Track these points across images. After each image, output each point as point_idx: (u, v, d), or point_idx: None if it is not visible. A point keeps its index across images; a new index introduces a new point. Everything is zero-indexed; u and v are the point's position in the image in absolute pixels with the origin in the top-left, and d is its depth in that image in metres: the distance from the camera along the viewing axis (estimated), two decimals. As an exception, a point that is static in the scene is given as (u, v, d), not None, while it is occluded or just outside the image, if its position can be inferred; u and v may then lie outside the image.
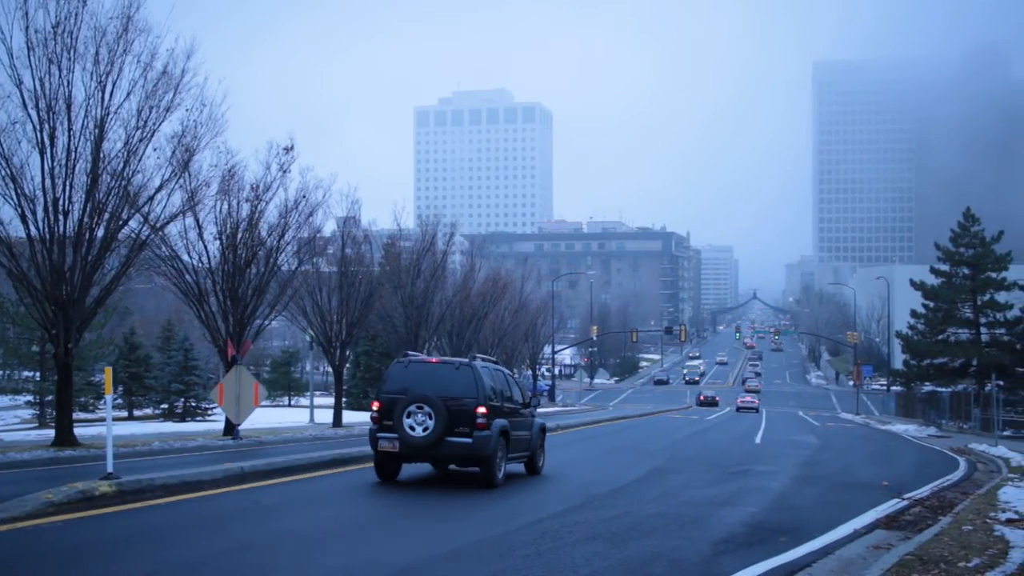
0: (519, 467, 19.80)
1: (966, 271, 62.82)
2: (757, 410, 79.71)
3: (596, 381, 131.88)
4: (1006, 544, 11.34)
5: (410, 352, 19.31)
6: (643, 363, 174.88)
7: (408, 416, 16.62)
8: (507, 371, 20.03)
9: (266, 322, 38.74)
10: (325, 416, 45.72)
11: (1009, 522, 13.37)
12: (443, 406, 16.54)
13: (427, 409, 16.56)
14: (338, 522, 12.65)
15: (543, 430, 20.73)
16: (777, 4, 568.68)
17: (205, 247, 32.53)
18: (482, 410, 16.75)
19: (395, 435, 16.68)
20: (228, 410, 28.54)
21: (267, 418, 45.78)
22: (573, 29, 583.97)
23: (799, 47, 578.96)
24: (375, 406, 17.31)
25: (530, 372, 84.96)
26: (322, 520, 12.79)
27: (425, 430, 16.50)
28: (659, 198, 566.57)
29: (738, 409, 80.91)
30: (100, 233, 25.74)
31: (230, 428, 29.94)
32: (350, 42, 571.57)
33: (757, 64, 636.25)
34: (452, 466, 18.34)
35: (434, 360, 18.82)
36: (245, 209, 32.95)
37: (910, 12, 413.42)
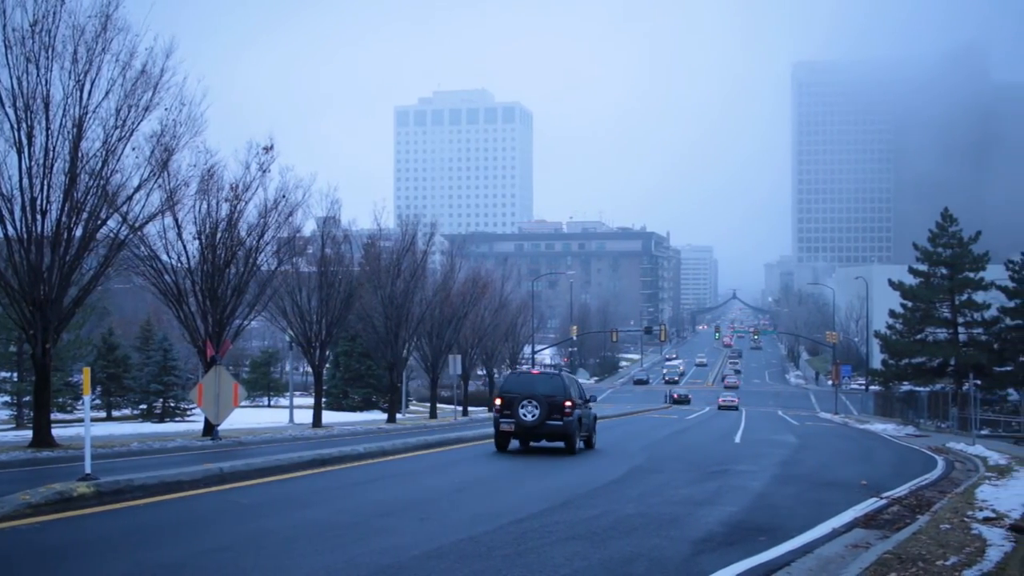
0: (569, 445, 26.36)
1: (944, 271, 63.17)
2: (737, 408, 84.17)
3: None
4: (983, 542, 11.41)
5: (518, 367, 29.73)
6: (623, 363, 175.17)
7: (522, 407, 25.65)
8: (577, 379, 30.83)
9: (245, 322, 38.65)
10: (305, 416, 45.62)
11: (986, 520, 13.44)
12: (546, 401, 25.54)
13: (535, 403, 25.62)
14: (317, 523, 12.61)
15: (595, 419, 29.81)
16: (759, 5, 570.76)
17: (184, 247, 32.44)
18: (569, 404, 25.71)
19: (513, 420, 25.73)
20: (207, 410, 28.43)
21: (246, 418, 45.69)
22: (554, 30, 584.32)
23: (779, 48, 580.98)
24: (498, 401, 26.29)
25: (510, 372, 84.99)
26: (302, 521, 12.75)
27: (533, 416, 25.57)
28: (639, 198, 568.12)
29: (719, 408, 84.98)
30: (78, 233, 25.62)
31: (209, 429, 29.85)
32: (330, 42, 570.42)
33: (738, 65, 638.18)
34: (543, 442, 27.32)
35: (535, 371, 30.55)
36: (224, 209, 32.86)
37: (889, 14, 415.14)
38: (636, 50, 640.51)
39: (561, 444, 26.65)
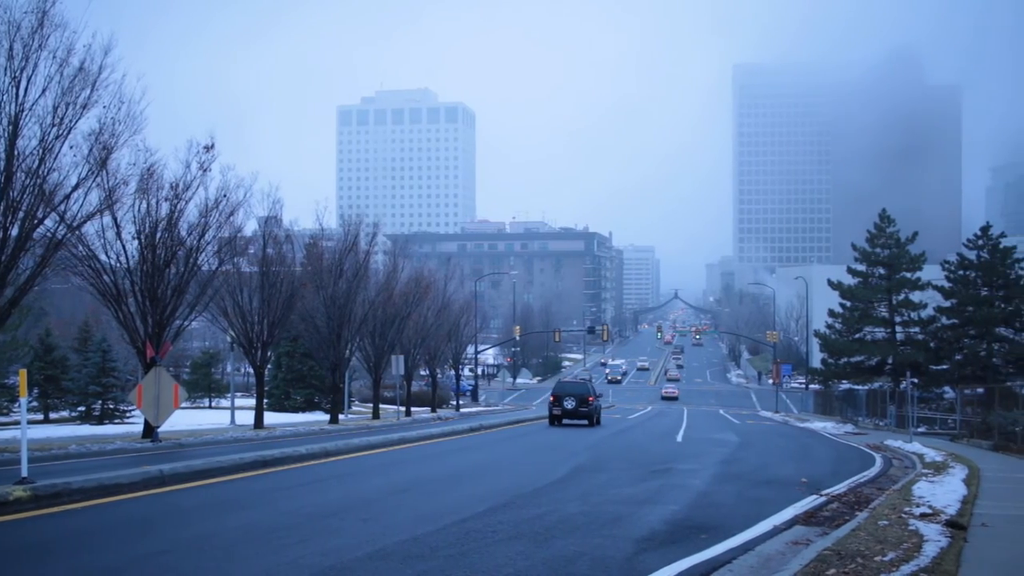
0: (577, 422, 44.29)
1: (882, 271, 64.03)
2: (678, 398, 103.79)
3: (519, 381, 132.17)
4: (920, 538, 11.58)
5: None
6: (566, 363, 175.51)
7: (565, 400, 43.89)
8: (593, 384, 51.16)
9: (186, 323, 38.19)
10: (247, 418, 45.21)
11: (923, 516, 13.64)
12: (578, 397, 43.92)
13: (572, 398, 43.92)
14: (259, 525, 12.52)
15: (600, 408, 49.00)
16: (699, 7, 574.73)
17: (123, 247, 31.96)
18: (591, 399, 44.12)
19: (560, 408, 43.96)
20: (147, 412, 28.10)
21: (187, 420, 45.21)
22: (497, 31, 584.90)
23: (721, 50, 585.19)
24: (552, 398, 44.48)
25: (453, 372, 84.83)
26: (243, 523, 12.65)
27: (571, 406, 43.73)
28: (581, 199, 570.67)
29: (663, 398, 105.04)
30: (14, 232, 25.17)
31: (149, 430, 29.49)
32: (272, 41, 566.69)
33: (680, 66, 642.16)
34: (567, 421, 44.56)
35: (574, 379, 55.42)
36: (164, 208, 32.45)
37: (827, 18, 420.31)
38: (579, 52, 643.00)
39: (585, 422, 44.81)
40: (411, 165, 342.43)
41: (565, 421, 44.37)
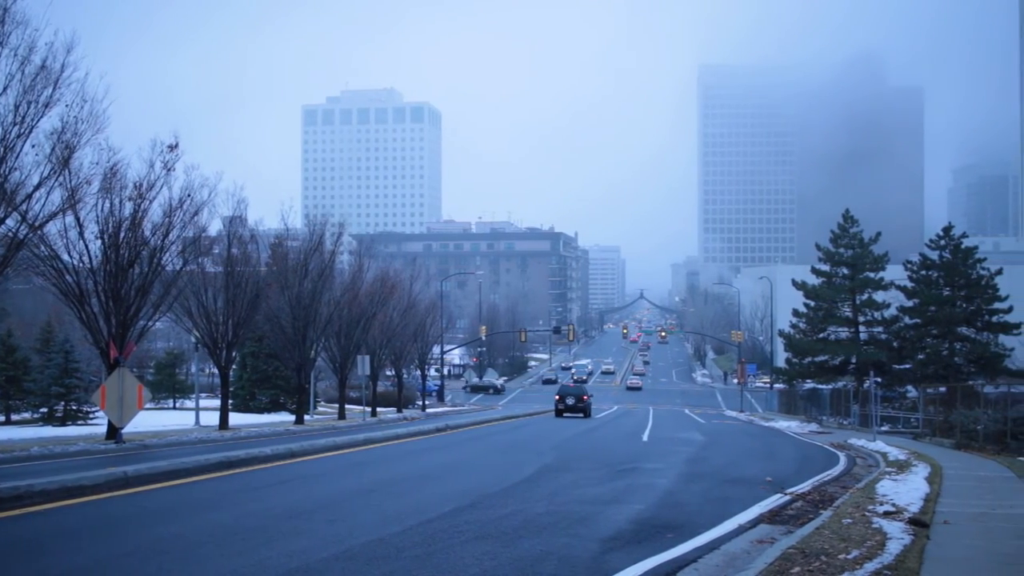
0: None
1: (845, 271, 64.46)
2: (641, 388, 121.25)
3: (485, 380, 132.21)
4: (884, 536, 11.68)
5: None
6: (532, 363, 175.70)
7: (568, 399, 58.06)
8: (588, 387, 72.25)
9: (150, 323, 37.95)
10: (211, 418, 44.96)
11: (887, 515, 13.75)
12: (576, 395, 58.43)
13: (573, 396, 58.16)
14: (224, 526, 12.45)
15: (591, 404, 59.97)
16: (665, 8, 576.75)
17: (86, 246, 31.68)
18: (586, 397, 58.70)
19: (564, 404, 57.78)
20: (111, 413, 27.90)
21: (151, 421, 44.91)
22: (463, 31, 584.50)
23: (687, 51, 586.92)
24: (557, 397, 59.00)
25: (419, 372, 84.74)
26: (208, 524, 12.58)
27: (572, 402, 57.60)
28: (548, 199, 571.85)
29: (628, 388, 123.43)
30: (-26, 232, 24.98)
31: (113, 432, 29.26)
32: (236, 39, 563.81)
33: (647, 68, 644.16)
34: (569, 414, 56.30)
35: (573, 382, 76.21)
36: (128, 208, 32.19)
37: (790, 20, 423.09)
38: (546, 54, 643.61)
39: (581, 415, 57.24)
40: (377, 165, 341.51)
41: (566, 414, 57.44)
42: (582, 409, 57.37)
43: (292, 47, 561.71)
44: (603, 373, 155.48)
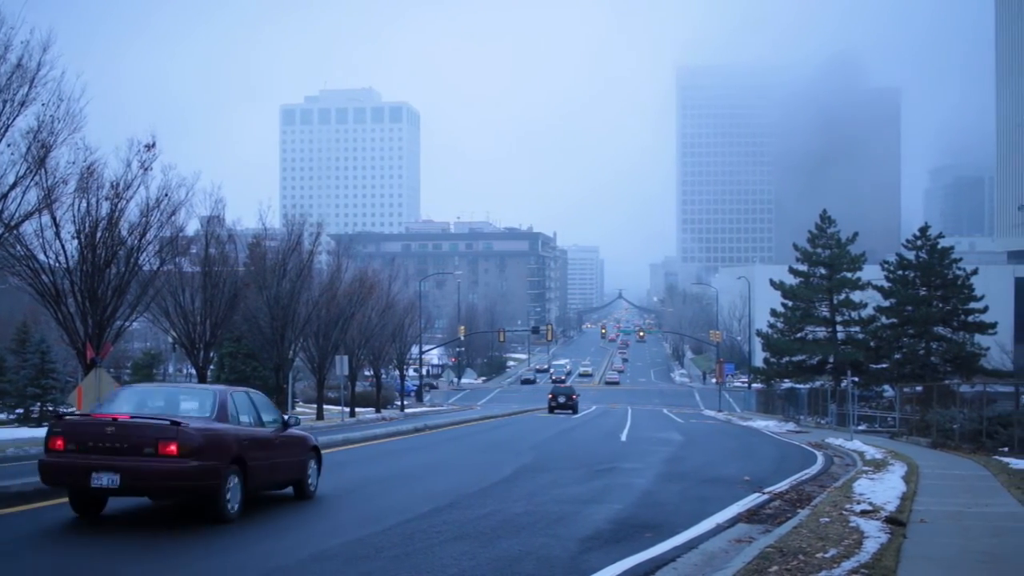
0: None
1: (823, 271, 64.64)
2: (619, 383, 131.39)
3: (464, 381, 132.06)
4: (861, 535, 11.73)
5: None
6: (510, 363, 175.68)
7: (559, 397, 68.13)
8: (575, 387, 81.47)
9: (127, 323, 37.78)
10: (188, 419, 44.79)
11: (864, 513, 13.81)
12: (566, 394, 68.85)
13: (563, 395, 68.58)
14: (202, 527, 12.41)
15: (578, 403, 70.25)
16: (645, 7, 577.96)
17: (63, 246, 31.47)
18: (575, 396, 69.47)
19: (556, 402, 67.56)
20: (87, 414, 27.75)
21: (128, 422, 44.63)
22: (443, 30, 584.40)
23: (665, 51, 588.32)
24: (550, 396, 69.58)
25: (398, 372, 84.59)
26: (192, 526, 12.53)
27: (563, 400, 67.60)
28: (527, 199, 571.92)
29: (606, 383, 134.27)
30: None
31: (89, 432, 29.09)
32: (215, 39, 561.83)
33: (625, 69, 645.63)
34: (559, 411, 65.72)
35: (563, 384, 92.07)
36: (105, 208, 31.99)
37: (770, 20, 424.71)
38: (525, 52, 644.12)
39: (570, 411, 66.22)
40: (355, 165, 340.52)
41: (557, 411, 66.46)
42: (571, 406, 67.43)
43: (270, 46, 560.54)
44: (580, 375, 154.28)
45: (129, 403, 13.50)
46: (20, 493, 14.19)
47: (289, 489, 15.50)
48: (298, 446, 15.57)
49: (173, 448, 12.04)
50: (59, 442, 12.45)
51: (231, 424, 13.51)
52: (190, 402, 13.84)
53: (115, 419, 12.39)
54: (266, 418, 14.86)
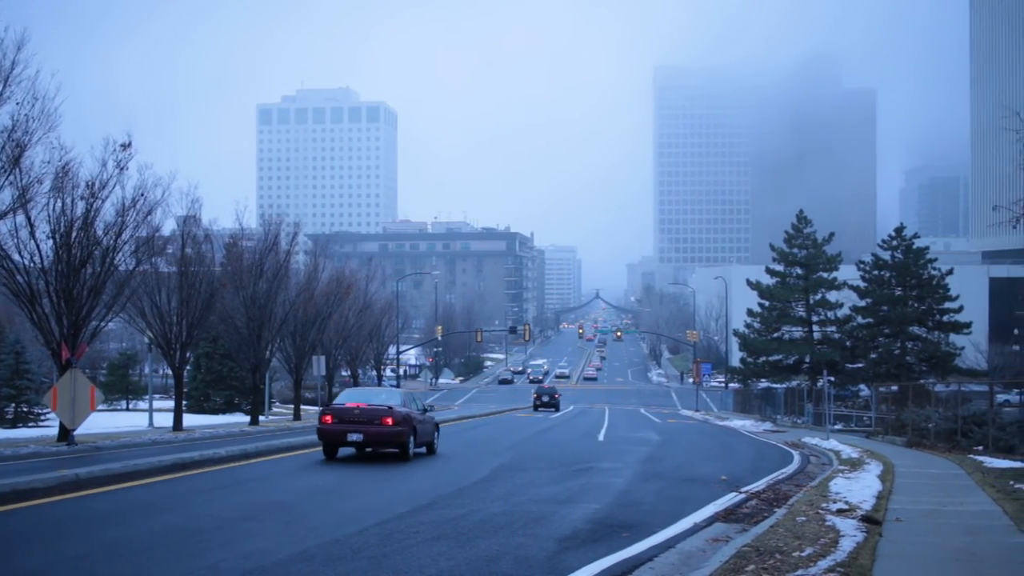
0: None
1: (799, 271, 64.89)
2: (597, 379, 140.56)
3: (441, 381, 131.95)
4: (837, 533, 11.79)
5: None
6: (488, 363, 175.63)
7: (543, 396, 73.57)
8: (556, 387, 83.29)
9: (103, 324, 37.62)
10: (165, 420, 44.63)
11: (840, 512, 13.88)
12: (550, 394, 74.28)
13: (547, 395, 73.87)
14: (178, 529, 12.38)
15: (560, 401, 75.46)
16: (622, 9, 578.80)
17: (37, 246, 31.30)
18: (557, 395, 75.30)
19: (540, 401, 73.04)
20: (62, 415, 27.61)
21: (104, 423, 44.44)
22: (421, 30, 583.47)
23: (644, 52, 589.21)
24: (535, 395, 74.92)
25: (375, 373, 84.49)
26: (162, 527, 12.50)
27: (546, 400, 72.94)
28: (504, 199, 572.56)
29: (585, 378, 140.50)
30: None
31: (65, 434, 28.96)
32: (191, 38, 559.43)
33: (602, 69, 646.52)
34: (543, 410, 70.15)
35: (546, 385, 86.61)
36: (80, 207, 31.84)
37: (747, 21, 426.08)
38: (503, 52, 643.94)
39: (553, 409, 70.37)
40: (332, 164, 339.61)
41: (541, 409, 71.06)
42: (554, 404, 73.22)
43: (247, 46, 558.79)
44: (557, 376, 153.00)
45: (359, 399, 24.43)
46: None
47: (272, 489, 15.58)
48: (431, 422, 26.19)
49: (389, 420, 22.88)
50: (328, 418, 23.27)
51: (408, 409, 23.88)
52: (390, 398, 24.81)
53: (358, 407, 23.27)
54: (420, 406, 25.61)
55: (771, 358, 65.86)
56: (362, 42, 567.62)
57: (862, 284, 62.69)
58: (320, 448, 24.23)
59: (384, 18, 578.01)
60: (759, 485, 19.27)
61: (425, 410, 25.73)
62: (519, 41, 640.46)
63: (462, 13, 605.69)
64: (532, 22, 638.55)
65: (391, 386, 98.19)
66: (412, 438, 23.56)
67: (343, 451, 24.30)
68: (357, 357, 71.92)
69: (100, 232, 33.03)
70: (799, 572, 9.46)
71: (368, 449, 23.99)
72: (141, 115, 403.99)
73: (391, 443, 23.26)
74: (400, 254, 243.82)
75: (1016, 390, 44.30)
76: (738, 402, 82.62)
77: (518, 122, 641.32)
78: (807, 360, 63.99)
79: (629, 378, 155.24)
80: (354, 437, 22.80)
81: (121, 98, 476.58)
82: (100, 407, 39.40)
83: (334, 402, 25.50)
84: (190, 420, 46.95)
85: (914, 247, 61.12)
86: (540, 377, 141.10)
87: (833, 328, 64.65)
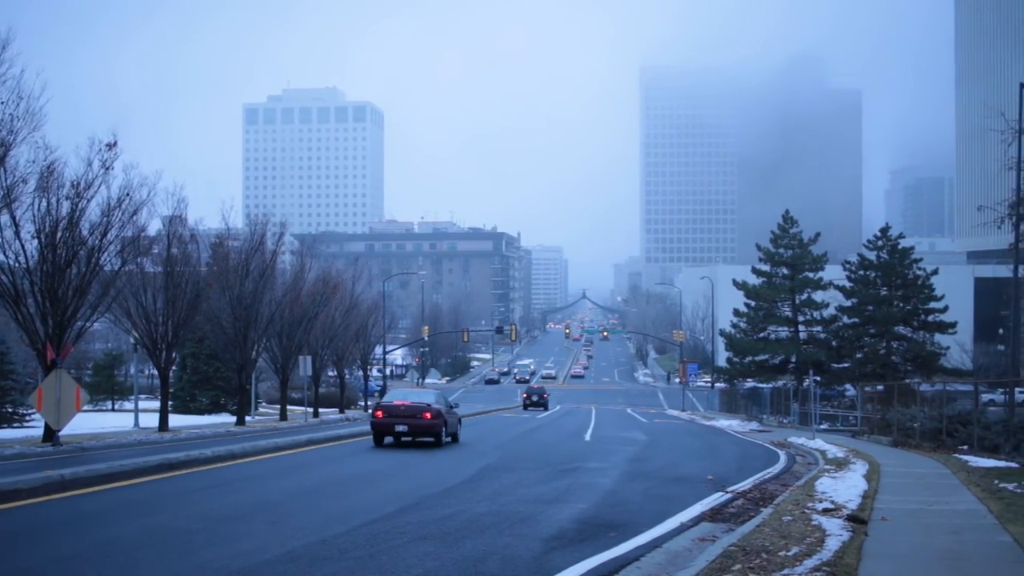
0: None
1: (785, 271, 65.06)
2: (584, 377, 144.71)
3: (428, 381, 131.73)
4: (823, 533, 11.82)
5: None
6: (474, 363, 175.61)
7: (532, 396, 76.67)
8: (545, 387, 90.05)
9: (88, 324, 37.48)
10: (151, 420, 44.49)
11: (826, 511, 13.91)
12: (538, 394, 77.36)
13: (536, 394, 77.01)
14: (165, 529, 12.35)
15: (548, 401, 78.76)
16: (609, 10, 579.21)
17: (22, 246, 31.16)
18: (546, 395, 78.46)
19: (529, 400, 76.09)
20: (48, 416, 27.51)
21: (90, 423, 44.28)
22: (408, 30, 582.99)
23: (631, 53, 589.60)
24: (524, 395, 79.19)
25: (361, 373, 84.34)
26: (149, 527, 12.47)
27: (535, 399, 75.80)
28: (491, 199, 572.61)
29: (572, 376, 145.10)
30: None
31: (50, 434, 28.86)
32: (177, 37, 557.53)
33: (591, 70, 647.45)
34: (532, 408, 73.45)
35: (535, 386, 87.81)
36: (65, 207, 31.69)
37: (731, 23, 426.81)
38: (491, 53, 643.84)
39: (542, 408, 72.73)
40: (319, 164, 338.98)
41: (530, 408, 74.15)
42: (543, 404, 75.96)
43: (234, 45, 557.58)
44: (544, 377, 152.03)
45: (404, 398, 30.15)
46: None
47: (259, 490, 15.53)
48: (456, 416, 31.54)
49: (428, 415, 27.99)
50: (379, 413, 28.64)
51: (440, 406, 29.10)
52: (428, 397, 30.55)
53: (404, 404, 28.66)
54: (447, 403, 30.92)
55: (757, 358, 66.01)
56: (349, 43, 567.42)
57: (848, 284, 62.90)
58: (310, 448, 24.30)
59: (372, 19, 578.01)
60: (745, 485, 19.30)
61: (451, 407, 31.41)
62: (507, 42, 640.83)
63: (451, 14, 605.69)
64: (521, 23, 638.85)
65: (378, 387, 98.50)
66: (444, 429, 28.86)
67: (343, 450, 24.54)
68: (344, 357, 71.80)
69: (85, 232, 32.90)
70: (785, 571, 9.48)
71: (407, 438, 28.92)
72: (127, 115, 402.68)
73: (428, 432, 28.49)
74: (387, 254, 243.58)
75: (1001, 390, 44.42)
76: (724, 402, 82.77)
77: (505, 123, 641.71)
78: (793, 360, 64.14)
79: (616, 378, 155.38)
80: (400, 428, 28.17)
81: (107, 98, 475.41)
82: (85, 408, 39.32)
83: (382, 400, 31.91)
84: (176, 420, 46.82)
85: (899, 247, 61.33)
86: (527, 377, 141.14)
87: (819, 328, 64.85)
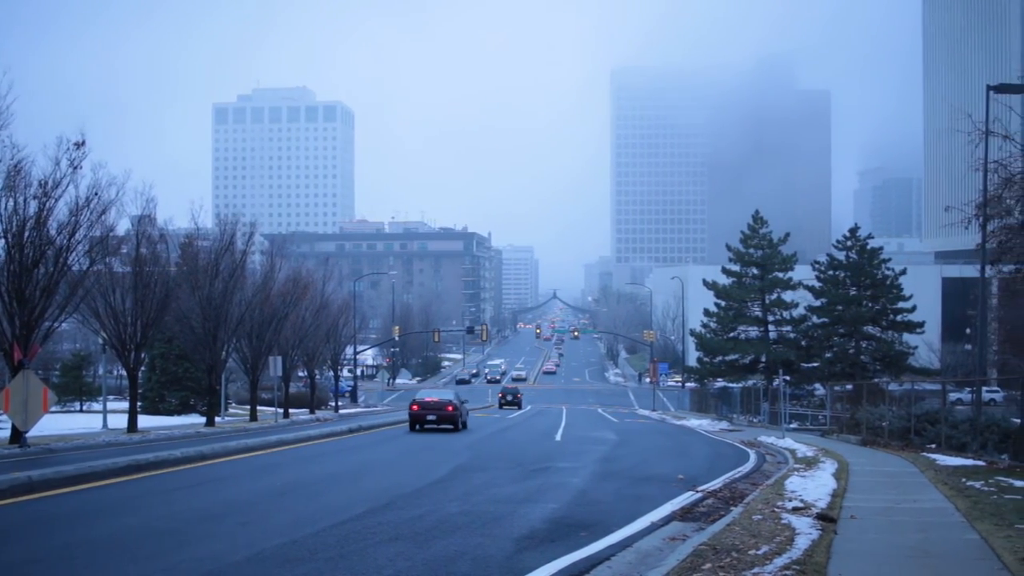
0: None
1: (755, 271, 65.35)
2: (556, 373, 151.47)
3: (399, 381, 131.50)
4: (792, 531, 11.88)
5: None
6: (445, 363, 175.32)
7: (507, 395, 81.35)
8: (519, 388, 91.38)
9: (56, 324, 37.17)
10: (120, 421, 44.18)
11: (795, 510, 13.98)
12: (513, 393, 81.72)
13: (510, 394, 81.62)
14: (134, 531, 12.28)
15: (522, 400, 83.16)
16: (578, 11, 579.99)
17: (-11, 246, 30.95)
18: (520, 395, 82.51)
19: (504, 400, 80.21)
20: (15, 417, 27.28)
21: (58, 424, 43.93)
22: (379, 29, 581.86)
23: (602, 54, 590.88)
24: (500, 394, 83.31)
25: (332, 373, 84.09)
26: (117, 529, 12.39)
27: (510, 399, 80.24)
28: (461, 199, 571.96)
29: (544, 372, 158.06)
30: None
31: (17, 436, 28.63)
32: (146, 36, 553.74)
33: (561, 71, 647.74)
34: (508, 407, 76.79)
35: (510, 386, 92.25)
36: (33, 207, 31.42)
37: (702, 22, 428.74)
38: (462, 53, 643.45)
39: (516, 408, 76.05)
40: (289, 164, 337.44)
41: (506, 407, 77.04)
42: (517, 403, 79.54)
43: (203, 44, 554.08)
44: (514, 379, 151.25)
45: (431, 395, 41.50)
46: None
47: (229, 491, 15.47)
48: (466, 408, 41.46)
49: (450, 408, 38.22)
50: (415, 407, 38.76)
51: (457, 401, 39.08)
52: (448, 395, 41.06)
53: (433, 400, 39.39)
54: (460, 399, 40.22)
55: (727, 358, 66.28)
56: (323, 44, 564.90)
57: (817, 284, 63.26)
58: (281, 448, 24.19)
59: (346, 20, 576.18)
60: (716, 484, 19.37)
61: (463, 401, 41.24)
62: (482, 44, 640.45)
63: (423, 16, 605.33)
64: (495, 26, 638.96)
65: (348, 388, 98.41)
66: (460, 418, 38.73)
67: (313, 450, 24.48)
68: (314, 357, 71.55)
69: (53, 232, 32.63)
70: (755, 570, 9.52)
71: (433, 425, 38.32)
72: (95, 114, 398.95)
73: (450, 421, 38.05)
74: (357, 254, 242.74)
75: (968, 389, 44.86)
76: (695, 401, 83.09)
77: (477, 124, 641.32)
78: (763, 359, 64.45)
79: (587, 378, 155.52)
80: (431, 417, 38.07)
81: (75, 96, 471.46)
82: (53, 409, 39.04)
83: (416, 396, 41.00)
84: (145, 421, 46.50)
85: (868, 247, 61.72)
86: (498, 377, 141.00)
87: (789, 328, 65.19)
